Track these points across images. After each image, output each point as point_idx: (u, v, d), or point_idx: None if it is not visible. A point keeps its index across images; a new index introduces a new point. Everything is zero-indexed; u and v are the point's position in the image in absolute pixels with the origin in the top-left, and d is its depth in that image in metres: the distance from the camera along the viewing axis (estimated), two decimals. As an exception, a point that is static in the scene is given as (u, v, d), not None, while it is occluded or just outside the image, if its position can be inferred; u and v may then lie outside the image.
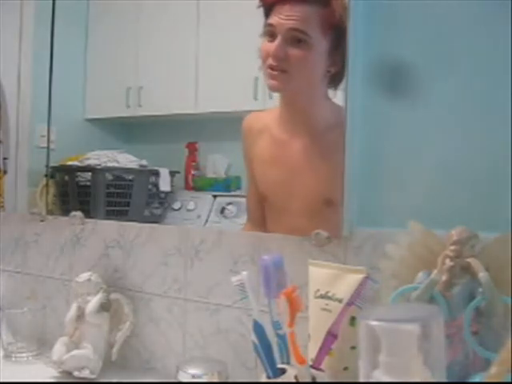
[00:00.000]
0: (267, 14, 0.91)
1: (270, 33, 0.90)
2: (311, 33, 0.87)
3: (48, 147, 1.21)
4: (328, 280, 0.75)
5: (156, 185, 1.18)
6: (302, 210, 0.91)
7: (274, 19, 0.89)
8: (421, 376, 0.49)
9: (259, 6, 0.91)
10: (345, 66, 0.83)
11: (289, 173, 0.93)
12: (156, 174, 1.18)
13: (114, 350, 1.00)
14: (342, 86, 0.85)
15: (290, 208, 0.93)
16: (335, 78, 0.87)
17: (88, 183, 1.20)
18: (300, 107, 0.93)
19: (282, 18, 0.88)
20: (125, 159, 1.19)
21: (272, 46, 0.89)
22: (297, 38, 0.88)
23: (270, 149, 0.96)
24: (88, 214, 1.14)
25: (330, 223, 0.84)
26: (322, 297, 0.75)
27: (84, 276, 1.01)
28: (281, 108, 0.95)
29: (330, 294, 0.74)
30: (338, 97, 0.87)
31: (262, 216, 0.98)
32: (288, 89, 0.92)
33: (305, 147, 0.92)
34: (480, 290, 0.63)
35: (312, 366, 0.71)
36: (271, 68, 0.90)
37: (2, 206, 1.27)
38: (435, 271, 0.66)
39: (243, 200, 1.05)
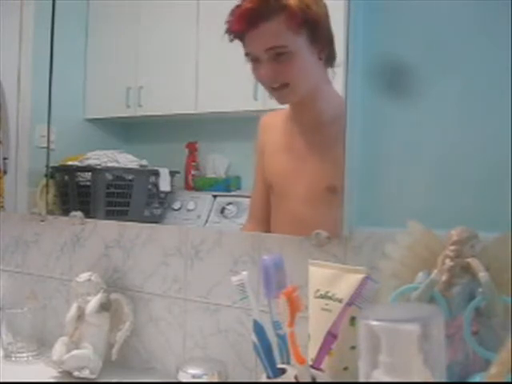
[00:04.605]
0: (243, 43, 0.94)
1: (252, 58, 0.94)
2: (286, 41, 0.91)
3: (48, 147, 1.21)
4: (328, 280, 0.75)
5: (156, 185, 1.18)
6: (306, 195, 0.93)
7: (249, 48, 0.94)
8: (421, 376, 0.49)
9: (231, 40, 0.95)
10: (332, 44, 0.87)
11: (296, 160, 0.96)
12: (156, 173, 1.18)
13: (114, 350, 1.00)
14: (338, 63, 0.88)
15: (294, 194, 0.95)
16: (329, 59, 0.90)
17: (88, 183, 1.20)
18: (307, 104, 0.96)
19: (255, 43, 0.93)
20: (125, 159, 1.19)
21: (261, 71, 0.93)
22: (277, 53, 0.91)
23: (280, 139, 1.00)
24: (88, 214, 1.14)
25: (333, 211, 0.86)
26: (322, 297, 0.75)
27: (84, 276, 1.01)
28: (290, 107, 0.98)
29: (330, 294, 0.74)
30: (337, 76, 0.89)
31: (266, 214, 0.99)
32: (296, 97, 0.95)
33: (312, 137, 0.95)
34: (480, 290, 0.63)
35: (312, 366, 0.71)
36: (273, 89, 0.94)
37: (2, 206, 1.27)
38: (435, 271, 0.66)
39: (243, 200, 1.05)
